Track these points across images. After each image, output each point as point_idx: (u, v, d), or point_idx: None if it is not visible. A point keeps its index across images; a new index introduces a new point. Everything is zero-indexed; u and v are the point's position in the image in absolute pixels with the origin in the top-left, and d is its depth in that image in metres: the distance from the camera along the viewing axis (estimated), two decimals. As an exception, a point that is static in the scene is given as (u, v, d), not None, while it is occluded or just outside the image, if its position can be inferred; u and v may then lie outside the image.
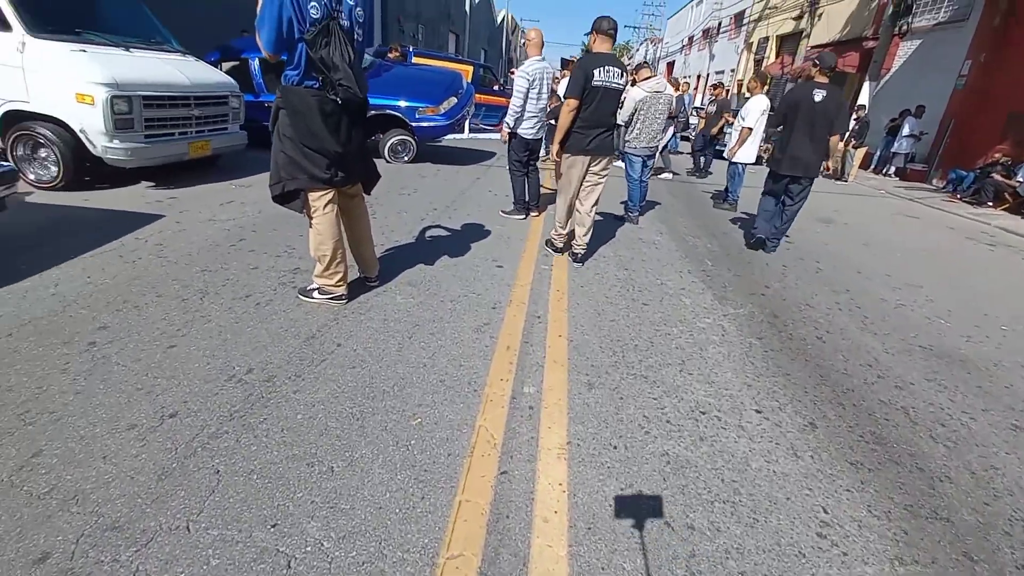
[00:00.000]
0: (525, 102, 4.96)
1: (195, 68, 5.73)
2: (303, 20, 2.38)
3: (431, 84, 8.35)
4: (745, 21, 26.74)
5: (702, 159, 9.90)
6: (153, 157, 5.05)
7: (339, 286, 2.98)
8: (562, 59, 9.32)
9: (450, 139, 10.29)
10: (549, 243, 4.49)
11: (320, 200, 2.74)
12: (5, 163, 3.23)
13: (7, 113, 4.61)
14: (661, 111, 5.45)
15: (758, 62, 24.41)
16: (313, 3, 2.39)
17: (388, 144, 7.91)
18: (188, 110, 5.40)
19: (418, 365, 2.47)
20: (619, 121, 4.54)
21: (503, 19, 48.53)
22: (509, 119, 5.09)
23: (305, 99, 2.54)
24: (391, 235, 4.42)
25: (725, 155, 7.17)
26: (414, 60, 12.03)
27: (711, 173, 9.86)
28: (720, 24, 31.32)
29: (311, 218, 2.79)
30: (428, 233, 4.60)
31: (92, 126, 4.61)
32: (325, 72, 2.48)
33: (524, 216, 5.54)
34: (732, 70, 28.16)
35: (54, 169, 4.71)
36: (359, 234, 3.16)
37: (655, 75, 5.60)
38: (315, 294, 3.00)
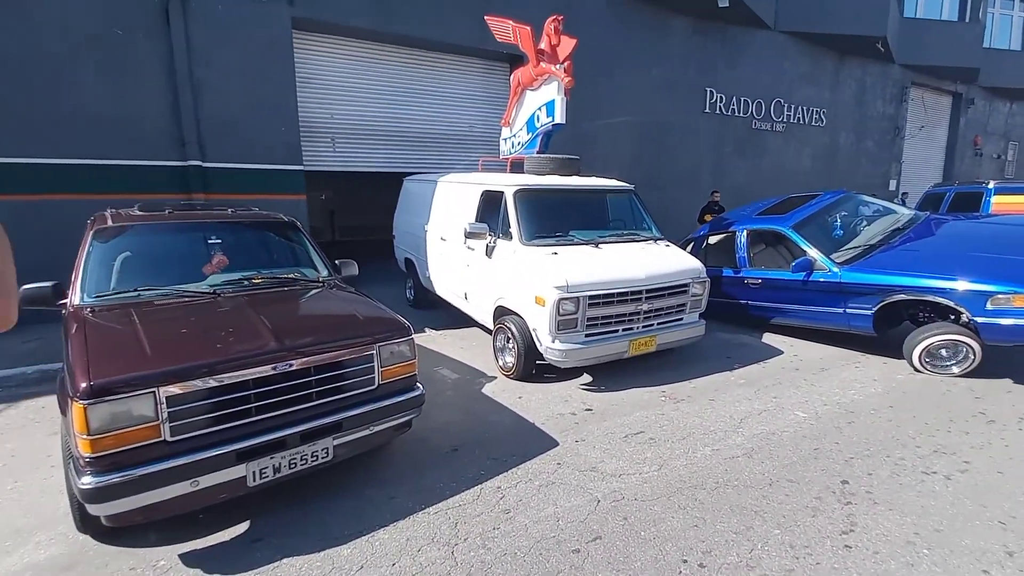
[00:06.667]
0: None
1: (658, 256, 5.23)
2: None
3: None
4: None
5: None
6: (587, 359, 4.71)
7: None
8: None
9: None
10: None
11: None
12: (417, 389, 3.34)
13: (498, 308, 5.35)
14: None
15: None
16: None
17: (924, 345, 4.98)
18: (636, 304, 4.87)
19: None
20: None
21: None
22: None
23: None
24: None
25: None
26: (994, 202, 7.93)
27: None
28: None
29: None
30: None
31: (541, 326, 4.68)
32: None
33: None
34: None
35: (512, 360, 5.06)
36: None
37: None
38: None
